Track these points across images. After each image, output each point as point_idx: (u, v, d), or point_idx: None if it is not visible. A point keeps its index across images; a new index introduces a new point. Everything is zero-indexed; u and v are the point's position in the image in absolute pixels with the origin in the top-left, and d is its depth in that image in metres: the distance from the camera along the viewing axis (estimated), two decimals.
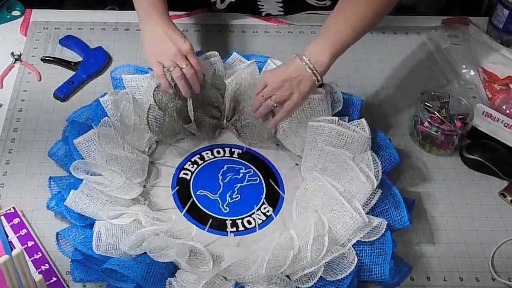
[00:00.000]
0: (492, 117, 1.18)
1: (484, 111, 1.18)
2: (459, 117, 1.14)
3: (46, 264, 0.96)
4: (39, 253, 0.97)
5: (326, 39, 1.04)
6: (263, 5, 1.39)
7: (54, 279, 0.94)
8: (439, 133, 1.13)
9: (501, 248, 1.03)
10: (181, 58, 1.07)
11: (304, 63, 1.03)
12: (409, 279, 0.98)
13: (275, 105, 1.06)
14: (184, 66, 1.07)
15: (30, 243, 0.98)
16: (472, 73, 1.31)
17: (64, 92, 1.21)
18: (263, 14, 1.42)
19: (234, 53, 1.23)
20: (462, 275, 0.99)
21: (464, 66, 1.32)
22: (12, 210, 1.02)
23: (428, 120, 1.14)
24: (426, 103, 1.16)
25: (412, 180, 1.12)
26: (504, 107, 1.21)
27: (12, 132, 1.15)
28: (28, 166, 1.10)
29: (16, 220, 1.01)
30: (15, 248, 0.95)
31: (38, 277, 0.82)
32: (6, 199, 1.05)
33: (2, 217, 1.01)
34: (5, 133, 1.15)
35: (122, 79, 1.18)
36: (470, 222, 1.06)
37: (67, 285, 0.94)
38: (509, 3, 1.33)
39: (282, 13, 1.41)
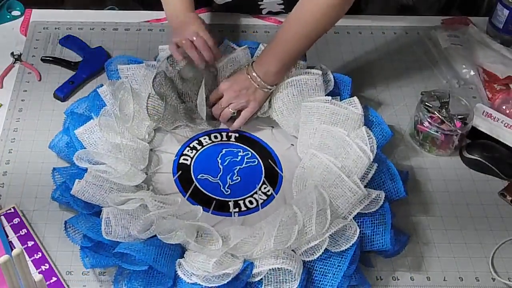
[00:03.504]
0: (492, 117, 1.18)
1: (484, 111, 1.18)
2: (459, 117, 1.14)
3: (46, 264, 0.96)
4: (39, 253, 0.97)
5: (276, 47, 1.11)
6: (262, 0, 1.38)
7: (54, 279, 0.94)
8: (439, 133, 1.13)
9: (501, 248, 1.03)
10: (192, 35, 1.12)
11: (250, 78, 1.11)
12: (409, 279, 0.98)
13: (233, 112, 1.13)
14: (194, 39, 1.11)
15: (30, 243, 0.98)
16: (472, 73, 1.31)
17: (64, 92, 1.21)
18: (264, 12, 1.42)
19: (226, 41, 1.25)
20: (462, 275, 0.99)
21: (464, 66, 1.32)
22: (12, 210, 1.02)
23: (428, 120, 1.14)
24: (426, 103, 1.16)
25: (412, 180, 1.11)
26: (504, 107, 1.21)
27: (12, 132, 1.15)
28: (28, 166, 1.10)
29: (16, 220, 1.01)
30: (15, 248, 0.95)
31: (38, 277, 0.82)
32: (6, 199, 1.05)
33: (2, 217, 1.01)
34: (5, 133, 1.15)
35: (117, 70, 1.18)
36: (470, 222, 1.07)
37: (67, 285, 0.94)
38: (509, 3, 1.33)
39: (283, 10, 1.40)
